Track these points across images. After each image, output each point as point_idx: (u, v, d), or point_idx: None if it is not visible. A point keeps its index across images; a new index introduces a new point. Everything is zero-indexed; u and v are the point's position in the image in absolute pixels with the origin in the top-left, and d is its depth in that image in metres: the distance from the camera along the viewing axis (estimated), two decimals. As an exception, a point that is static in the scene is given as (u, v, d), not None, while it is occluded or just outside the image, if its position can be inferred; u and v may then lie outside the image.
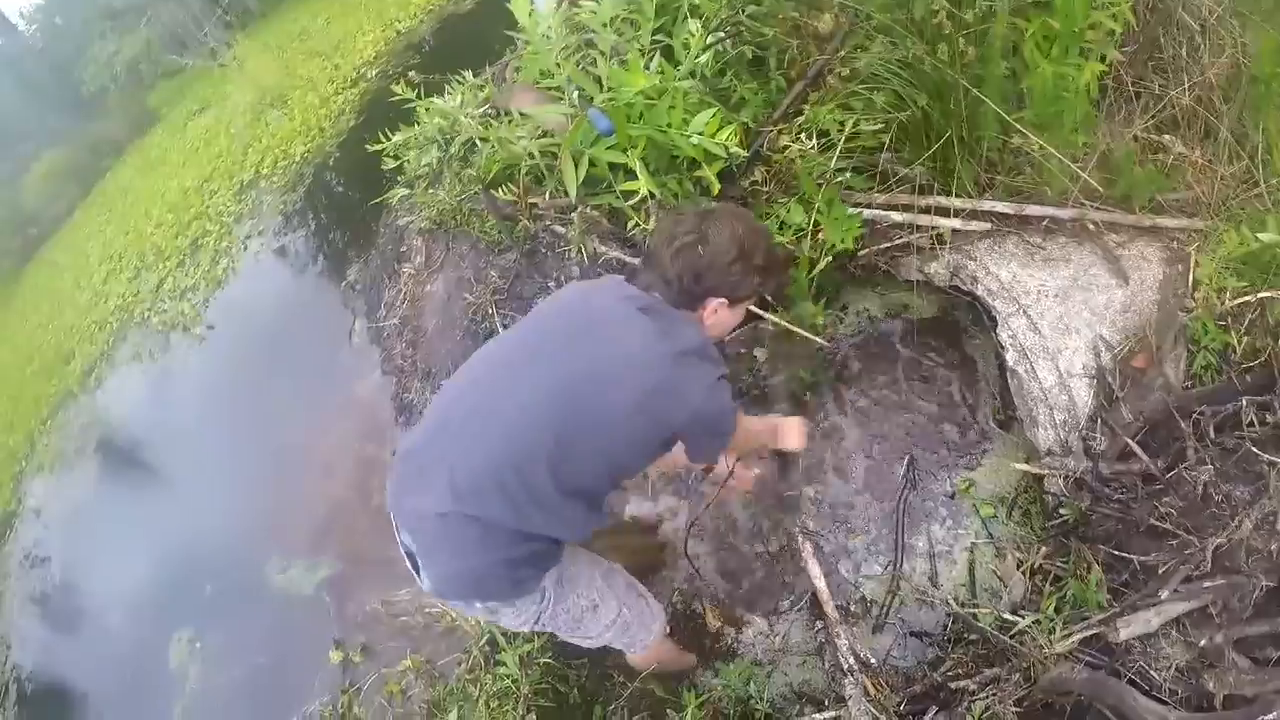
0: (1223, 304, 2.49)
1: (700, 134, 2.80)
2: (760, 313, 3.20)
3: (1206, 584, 2.03)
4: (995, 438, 3.03)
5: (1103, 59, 2.57)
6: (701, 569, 3.02)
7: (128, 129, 10.04)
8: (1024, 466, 2.73)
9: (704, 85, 3.04)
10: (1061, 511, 2.61)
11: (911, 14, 2.74)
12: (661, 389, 1.85)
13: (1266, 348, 2.36)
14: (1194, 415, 2.35)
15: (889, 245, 3.16)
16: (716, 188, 2.91)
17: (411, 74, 3.49)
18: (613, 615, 2.21)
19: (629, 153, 2.85)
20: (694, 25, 2.88)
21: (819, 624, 2.83)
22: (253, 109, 7.03)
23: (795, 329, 3.26)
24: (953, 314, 3.32)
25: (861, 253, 3.23)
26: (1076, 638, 2.23)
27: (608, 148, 2.89)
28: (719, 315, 2.03)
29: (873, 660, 2.59)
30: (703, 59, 2.92)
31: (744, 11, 3.10)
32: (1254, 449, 2.11)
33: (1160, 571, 2.12)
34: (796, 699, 2.68)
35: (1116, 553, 2.25)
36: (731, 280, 1.96)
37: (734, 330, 2.20)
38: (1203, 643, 1.98)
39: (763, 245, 2.03)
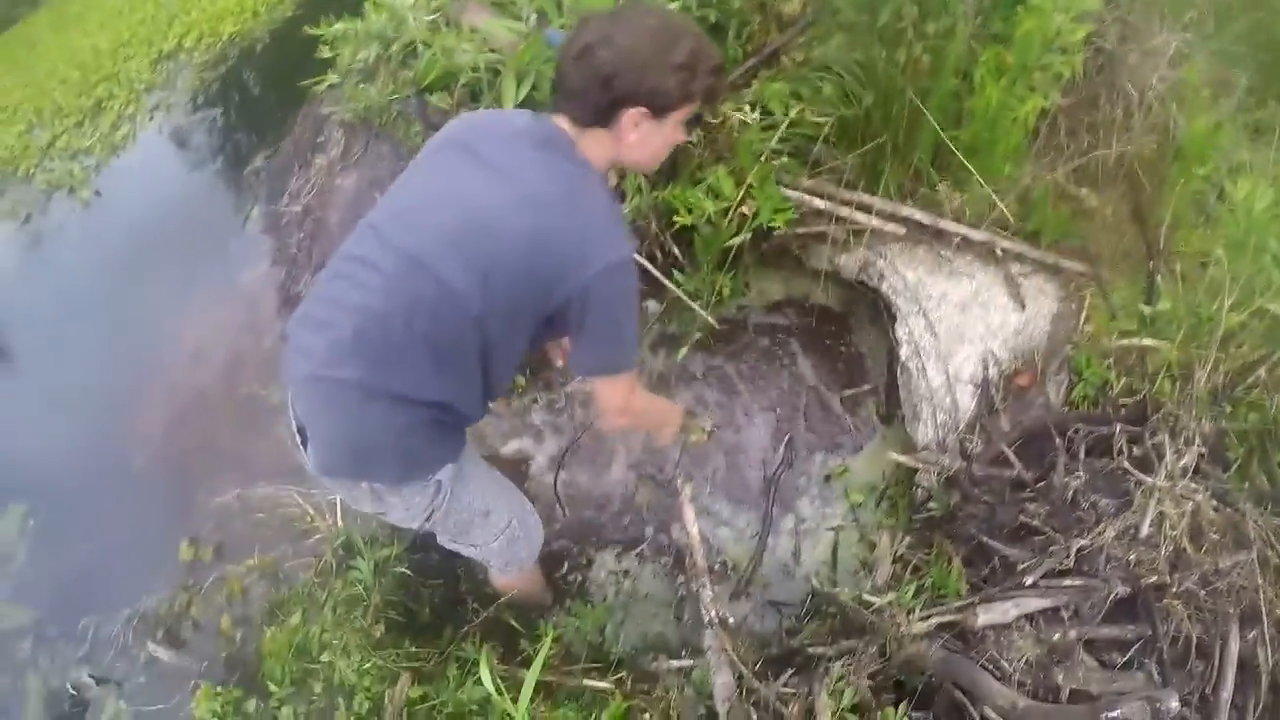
0: (1109, 343, 2.57)
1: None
2: (658, 275, 3.07)
3: (1066, 582, 2.04)
4: (875, 431, 3.03)
5: (1045, 99, 2.59)
6: (568, 508, 2.86)
7: None
8: (901, 457, 2.71)
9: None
10: (930, 506, 2.61)
11: (876, 16, 2.68)
12: (554, 235, 1.56)
13: (1142, 390, 2.44)
14: (1069, 433, 2.39)
15: (806, 231, 3.10)
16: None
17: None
18: (503, 524, 2.03)
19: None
20: (672, -29, 2.70)
21: (680, 578, 2.74)
22: None
23: (685, 299, 3.15)
24: (852, 310, 3.30)
25: (777, 232, 3.15)
26: (934, 621, 2.21)
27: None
28: (641, 131, 1.63)
29: (731, 620, 2.50)
30: (671, 5, 2.74)
31: (715, -24, 2.94)
32: (1127, 465, 2.15)
33: (1021, 567, 2.12)
34: (649, 648, 2.56)
35: (986, 542, 2.24)
36: (649, 82, 1.56)
37: (664, 155, 1.81)
38: (1055, 637, 1.99)
39: (687, 38, 1.59)
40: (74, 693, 2.52)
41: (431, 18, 3.09)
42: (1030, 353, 2.70)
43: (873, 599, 2.36)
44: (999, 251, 2.85)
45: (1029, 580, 2.03)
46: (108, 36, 5.70)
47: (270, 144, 4.02)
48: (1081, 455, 2.31)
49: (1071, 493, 2.15)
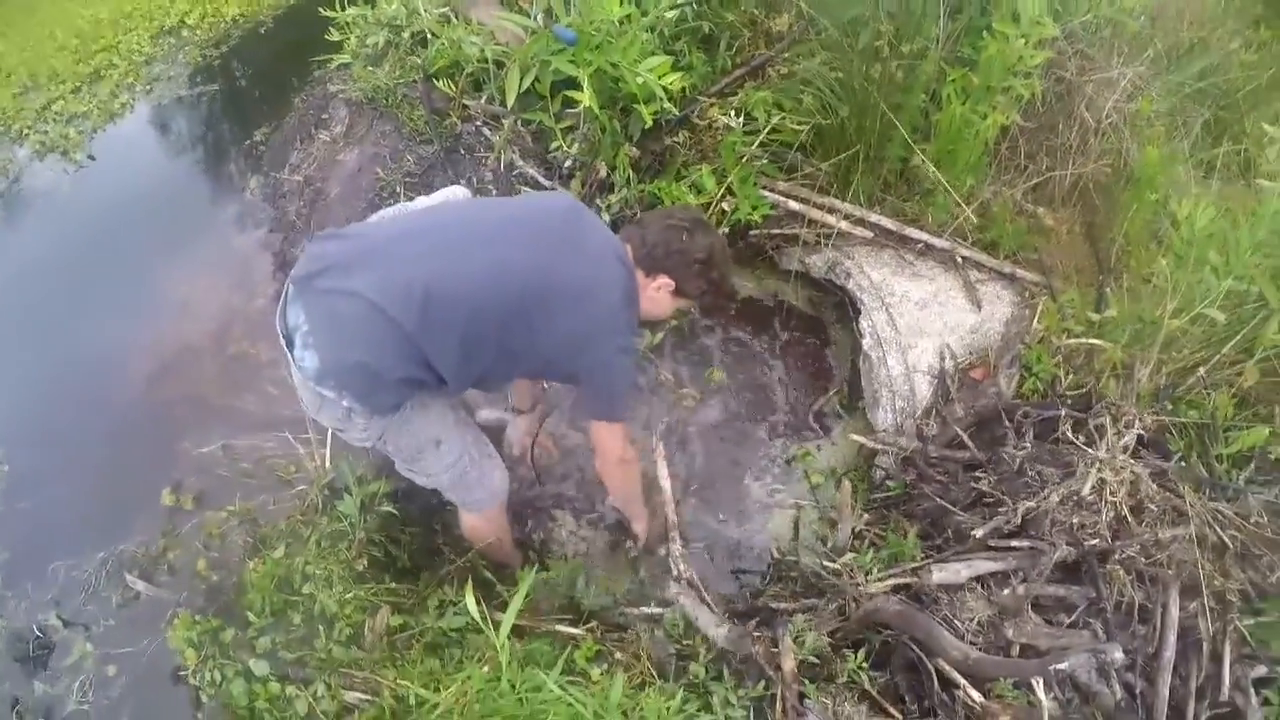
0: (1059, 342, 2.72)
1: (649, 72, 2.74)
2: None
3: (1014, 543, 2.15)
4: (837, 420, 3.13)
5: (1005, 117, 2.77)
6: (542, 475, 2.90)
7: None
8: (861, 438, 2.82)
9: (659, 42, 3.00)
10: (888, 484, 2.71)
11: (857, 37, 2.86)
12: (589, 330, 1.95)
13: (1088, 384, 2.58)
14: (1018, 416, 2.52)
15: (780, 233, 3.24)
16: (648, 123, 2.86)
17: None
18: (453, 456, 2.11)
19: (581, 69, 2.74)
20: (673, -19, 2.84)
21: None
22: None
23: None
24: (819, 310, 3.43)
25: (753, 232, 3.29)
26: (891, 581, 2.30)
27: (567, 59, 2.77)
28: (660, 294, 2.11)
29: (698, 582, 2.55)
30: (669, 14, 2.88)
31: (712, -6, 3.11)
32: (1070, 436, 2.27)
33: (972, 529, 2.22)
34: (616, 604, 2.59)
35: (940, 505, 2.34)
36: (689, 272, 2.07)
37: (661, 317, 2.29)
38: (1005, 591, 2.08)
39: (724, 268, 2.15)
40: (39, 635, 2.44)
41: (442, 10, 3.19)
42: (984, 350, 2.84)
43: (833, 563, 2.45)
44: (959, 258, 3.02)
45: (979, 533, 2.13)
46: (108, 8, 5.57)
47: (270, 120, 4.04)
48: (1030, 436, 2.43)
49: (1019, 462, 2.27)
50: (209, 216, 3.65)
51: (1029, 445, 2.33)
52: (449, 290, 1.80)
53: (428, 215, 2.04)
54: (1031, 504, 2.13)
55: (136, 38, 5.12)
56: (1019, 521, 2.13)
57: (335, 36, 3.36)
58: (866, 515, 2.68)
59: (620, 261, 2.02)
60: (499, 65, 3.12)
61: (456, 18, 3.19)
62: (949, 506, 2.36)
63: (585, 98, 2.72)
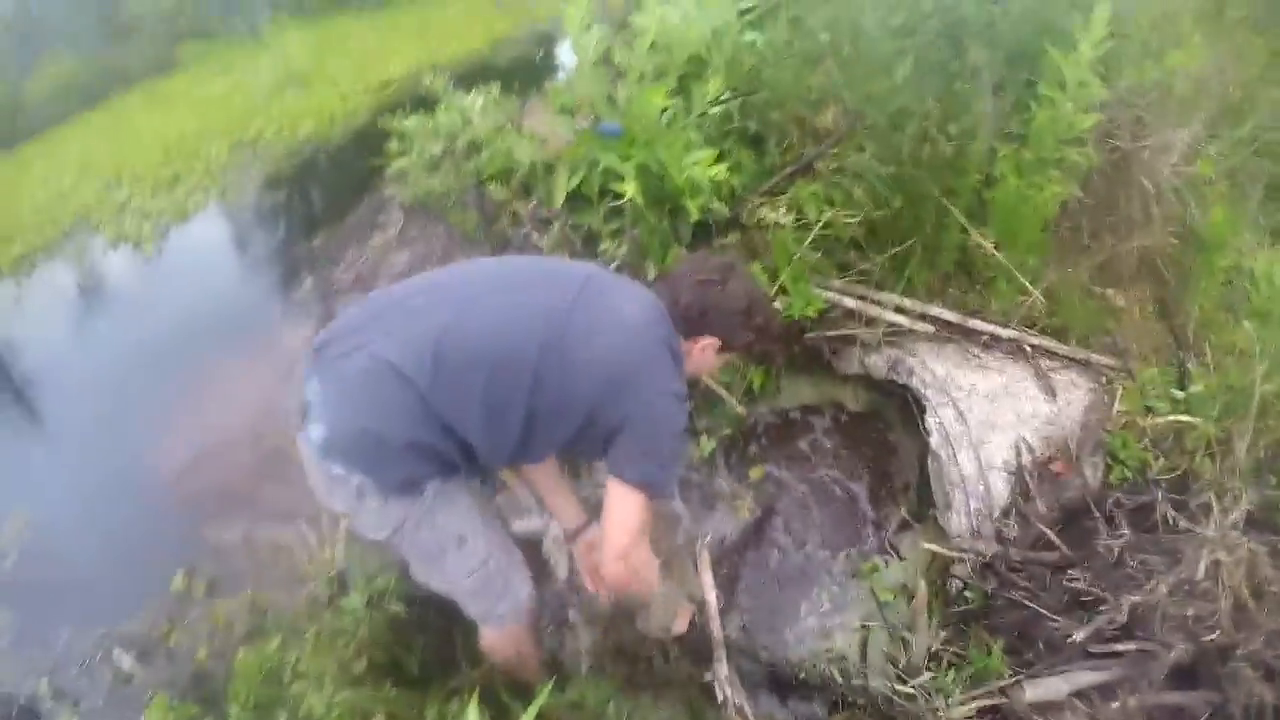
0: (1144, 423, 2.43)
1: (695, 165, 2.73)
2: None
3: (1120, 647, 1.78)
4: (905, 531, 2.81)
5: (1063, 189, 2.62)
6: (581, 588, 2.63)
7: (146, 67, 9.50)
8: (934, 547, 2.49)
9: (705, 140, 3.02)
10: (966, 595, 2.37)
11: (904, 126, 2.82)
12: (629, 362, 1.71)
13: (1181, 466, 2.27)
14: (1109, 507, 2.20)
15: (836, 334, 3.08)
16: (695, 215, 2.82)
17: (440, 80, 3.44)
18: (478, 559, 1.84)
19: (625, 162, 2.75)
20: (715, 81, 2.89)
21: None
22: (275, 84, 6.77)
23: (717, 389, 3.10)
24: (882, 413, 3.19)
25: (809, 335, 3.14)
26: (976, 704, 1.94)
27: (612, 153, 2.79)
28: (705, 354, 1.92)
29: (749, 711, 2.19)
30: (714, 110, 2.92)
31: (756, 95, 3.15)
32: (1174, 515, 1.94)
33: (1071, 634, 1.86)
34: (652, 724, 2.24)
35: (1031, 610, 1.99)
36: (732, 326, 1.89)
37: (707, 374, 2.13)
38: (1113, 705, 1.71)
39: (768, 309, 2.00)
40: (22, 702, 2.28)
41: (497, 122, 3.33)
42: (1063, 441, 2.54)
43: (906, 685, 2.10)
44: (1028, 347, 2.79)
45: (1080, 635, 1.78)
46: (193, 120, 6.17)
47: (331, 225, 4.19)
48: (1124, 525, 2.10)
49: (1117, 552, 1.94)
50: (262, 311, 3.77)
51: (1126, 533, 1.99)
52: (463, 340, 1.63)
53: (442, 271, 1.90)
54: (1137, 598, 1.78)
55: (216, 147, 5.62)
56: (1124, 619, 1.78)
57: (396, 146, 3.52)
58: (943, 633, 2.33)
59: (657, 308, 1.83)
60: (549, 170, 3.19)
61: (510, 125, 3.32)
62: (1042, 611, 2.01)
63: (629, 190, 2.71)
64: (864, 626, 2.58)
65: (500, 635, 2.05)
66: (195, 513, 2.76)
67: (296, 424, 1.72)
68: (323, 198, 4.96)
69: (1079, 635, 1.77)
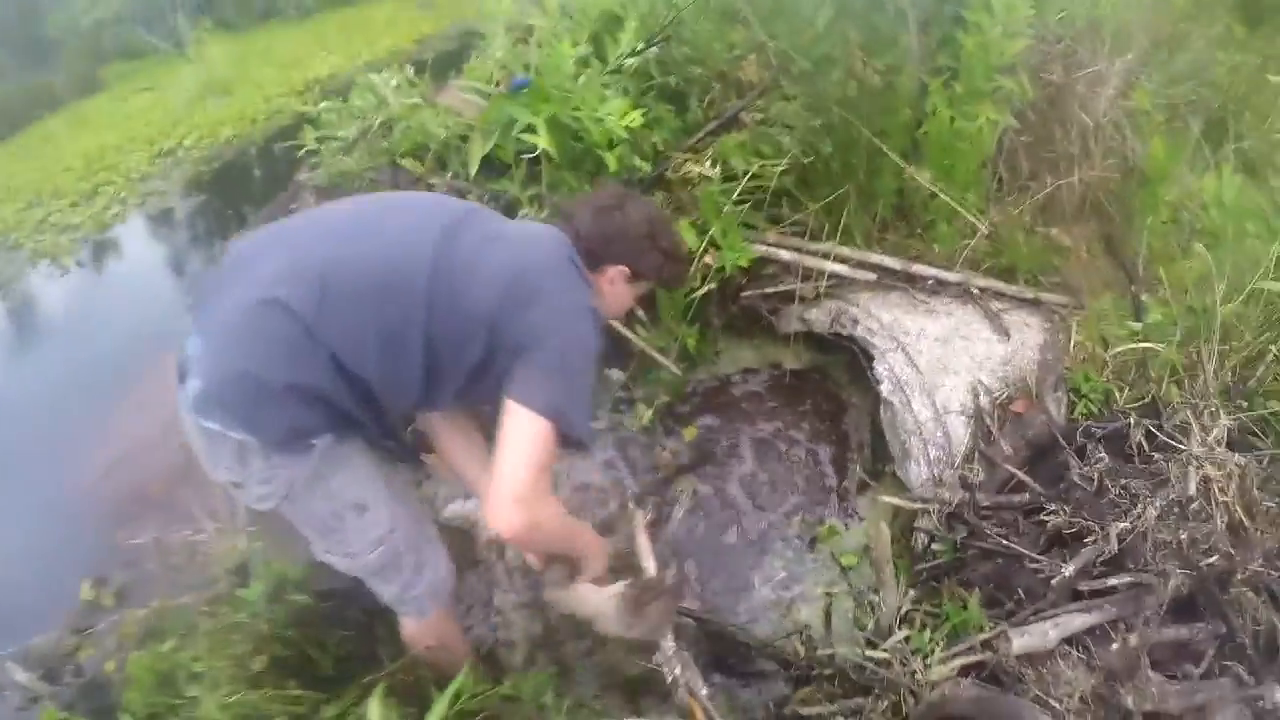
0: (1105, 356, 2.32)
1: (610, 116, 2.52)
2: (625, 331, 2.84)
3: (1112, 581, 1.63)
4: (863, 492, 2.65)
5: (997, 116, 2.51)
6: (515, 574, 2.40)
7: (72, 89, 9.27)
8: (895, 499, 2.32)
9: (623, 97, 2.82)
10: (934, 548, 2.20)
11: (829, 72, 2.66)
12: (532, 267, 1.57)
13: (1149, 392, 2.15)
14: (1079, 439, 2.06)
15: (774, 291, 2.90)
16: (614, 168, 2.61)
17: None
18: (382, 529, 1.61)
19: (538, 116, 2.53)
20: (630, 28, 2.69)
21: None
22: (198, 93, 6.76)
23: (650, 352, 2.90)
24: (828, 371, 3.02)
25: (745, 294, 2.96)
26: (958, 661, 1.76)
27: (521, 106, 2.56)
28: (616, 287, 1.82)
29: (703, 690, 1.96)
30: (630, 62, 2.71)
31: (676, 48, 2.97)
32: (1148, 438, 1.80)
33: (1055, 577, 1.70)
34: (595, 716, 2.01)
35: (1008, 549, 1.82)
36: (638, 250, 1.79)
37: (621, 312, 1.97)
38: (1112, 648, 1.55)
39: (670, 232, 1.91)
40: None
41: (411, 101, 3.09)
42: (1020, 380, 2.41)
43: (878, 652, 1.91)
44: (975, 289, 2.65)
45: (1070, 570, 1.61)
46: (115, 135, 6.32)
47: (251, 221, 4.12)
48: (1101, 452, 1.95)
49: (1097, 480, 1.79)
50: (179, 314, 3.61)
51: (1104, 458, 1.85)
52: (351, 267, 1.46)
53: (320, 209, 1.74)
54: (1125, 524, 1.62)
55: (136, 158, 5.78)
56: (1114, 549, 1.62)
57: (309, 131, 3.26)
58: (913, 592, 2.16)
59: (558, 234, 1.72)
60: (464, 140, 2.96)
61: (424, 102, 3.09)
62: (1020, 554, 1.84)
63: (541, 140, 2.49)
64: (827, 594, 2.40)
65: (421, 624, 1.82)
66: (108, 520, 2.60)
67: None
68: (245, 197, 5.05)
69: (1068, 570, 1.60)
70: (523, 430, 1.47)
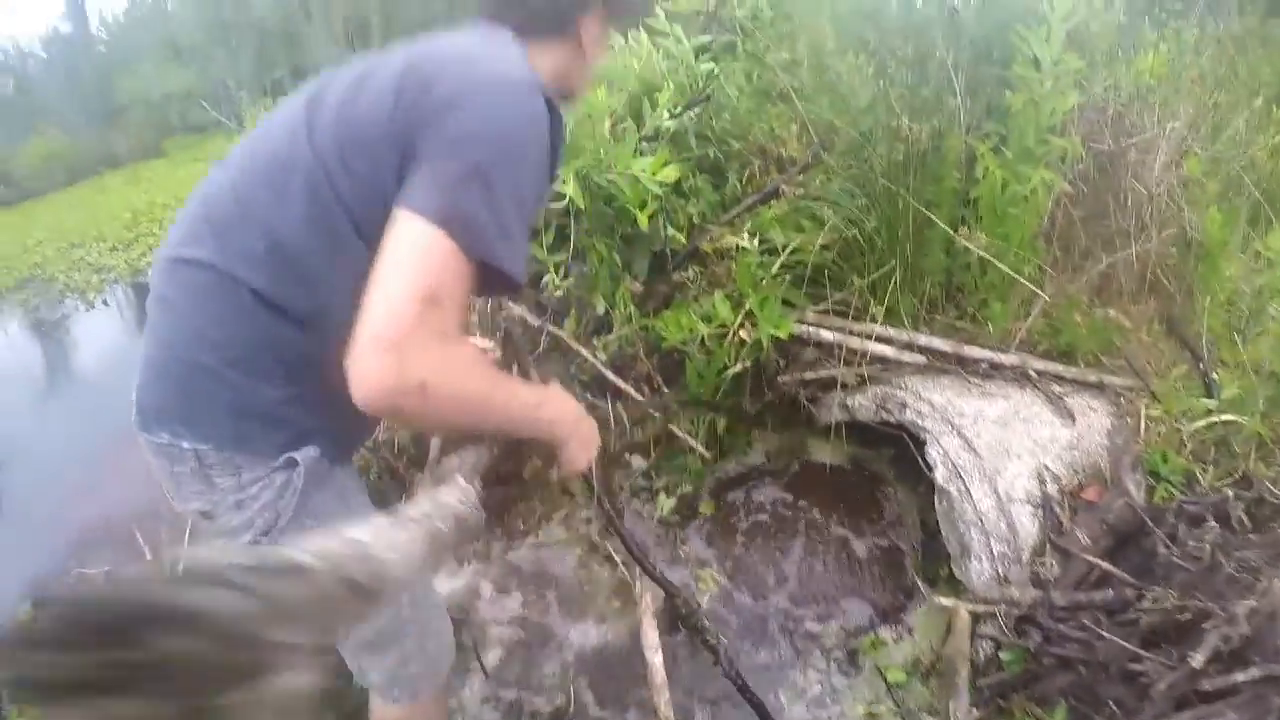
0: (1183, 433, 2.03)
1: (643, 171, 2.43)
2: (650, 408, 2.64)
3: (1240, 677, 1.28)
4: (911, 593, 2.31)
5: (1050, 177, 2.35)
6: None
7: (134, 153, 9.84)
8: (952, 601, 1.98)
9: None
10: (1001, 658, 1.85)
11: (873, 142, 2.58)
12: (428, 59, 1.12)
13: (1237, 468, 1.85)
14: (1168, 519, 1.74)
15: (814, 377, 2.69)
16: (643, 223, 2.49)
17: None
18: None
19: (567, 167, 2.45)
20: (667, 93, 2.65)
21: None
22: None
23: (683, 436, 2.68)
24: (873, 467, 2.74)
25: (782, 378, 2.74)
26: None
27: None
28: (591, 35, 1.31)
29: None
30: (667, 124, 2.64)
31: (715, 122, 2.93)
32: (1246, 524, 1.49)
33: (1190, 658, 1.36)
34: None
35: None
36: None
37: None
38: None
39: None
40: None
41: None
42: (1091, 466, 2.12)
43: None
44: (1033, 373, 2.40)
45: (1198, 660, 1.28)
46: (165, 195, 6.58)
47: None
48: (1209, 519, 1.64)
49: (1208, 554, 1.47)
50: None
51: (1214, 526, 1.54)
52: (231, 181, 1.19)
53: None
54: (1251, 602, 1.30)
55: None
56: (1246, 630, 1.28)
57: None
58: (975, 711, 1.80)
59: (476, 27, 1.26)
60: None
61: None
62: (1125, 645, 1.50)
63: (569, 189, 2.40)
64: (870, 715, 2.02)
65: (407, 710, 1.43)
66: (71, 547, 2.57)
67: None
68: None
69: (1196, 660, 1.26)
70: (406, 246, 0.98)
